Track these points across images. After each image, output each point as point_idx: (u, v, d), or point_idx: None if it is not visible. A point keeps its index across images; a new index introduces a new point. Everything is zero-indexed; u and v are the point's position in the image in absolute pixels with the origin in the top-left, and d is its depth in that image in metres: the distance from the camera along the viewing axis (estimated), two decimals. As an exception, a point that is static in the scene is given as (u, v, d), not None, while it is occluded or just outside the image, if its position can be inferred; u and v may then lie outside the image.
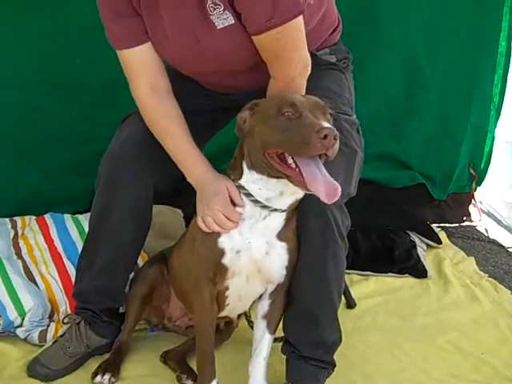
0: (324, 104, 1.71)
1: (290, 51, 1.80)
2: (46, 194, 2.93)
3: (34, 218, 2.76)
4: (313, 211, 1.79)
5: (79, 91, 2.81)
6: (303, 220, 1.84)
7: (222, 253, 1.80)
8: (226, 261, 1.81)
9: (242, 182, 1.78)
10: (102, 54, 2.12)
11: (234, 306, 1.99)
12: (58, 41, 2.73)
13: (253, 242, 1.80)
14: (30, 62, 2.74)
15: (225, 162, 1.97)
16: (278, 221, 1.80)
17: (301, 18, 1.75)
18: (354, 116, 2.04)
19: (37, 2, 2.69)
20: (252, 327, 2.05)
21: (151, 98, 1.94)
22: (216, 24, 1.79)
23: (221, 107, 2.15)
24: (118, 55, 1.95)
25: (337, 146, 1.59)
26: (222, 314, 2.01)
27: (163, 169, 2.03)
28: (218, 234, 1.80)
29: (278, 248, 1.82)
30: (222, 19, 1.78)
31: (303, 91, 1.89)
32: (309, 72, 1.88)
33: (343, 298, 2.50)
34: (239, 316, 2.21)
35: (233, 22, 1.78)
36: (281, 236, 1.82)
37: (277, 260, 1.84)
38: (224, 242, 1.80)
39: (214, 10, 1.77)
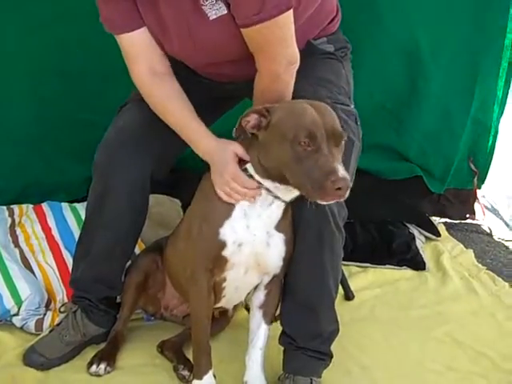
0: (341, 130, 1.67)
1: (275, 46, 1.78)
2: (44, 183, 2.91)
3: (31, 206, 2.75)
4: (309, 202, 1.79)
5: (78, 79, 2.78)
6: (299, 211, 1.83)
7: (222, 245, 1.79)
8: (226, 253, 1.80)
9: (249, 167, 1.77)
10: (102, 41, 2.10)
11: (230, 298, 1.99)
12: (57, 29, 2.69)
13: (258, 235, 1.79)
14: (28, 50, 2.70)
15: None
16: (278, 211, 1.79)
17: (289, 13, 1.73)
18: (352, 106, 2.01)
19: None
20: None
21: (152, 82, 1.93)
22: (209, 15, 1.78)
23: (217, 96, 2.14)
24: (117, 40, 1.93)
25: (347, 193, 1.59)
26: (218, 305, 2.00)
27: (160, 157, 2.03)
28: (220, 225, 1.78)
29: (277, 239, 1.82)
30: (215, 9, 1.77)
31: (290, 89, 1.87)
32: (295, 69, 1.85)
33: (341, 289, 2.51)
34: (234, 306, 2.19)
35: (225, 11, 1.76)
36: (279, 227, 1.82)
37: (275, 251, 1.84)
38: (226, 234, 1.79)
39: (207, 0, 1.76)
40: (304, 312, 1.94)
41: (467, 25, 2.98)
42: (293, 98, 1.88)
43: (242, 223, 1.79)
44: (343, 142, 1.67)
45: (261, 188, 1.76)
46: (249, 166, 1.77)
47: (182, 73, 1.99)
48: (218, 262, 1.82)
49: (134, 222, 2.09)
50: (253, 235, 1.79)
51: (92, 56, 2.74)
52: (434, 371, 2.14)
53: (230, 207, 1.79)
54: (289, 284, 1.94)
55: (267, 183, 1.75)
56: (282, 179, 1.69)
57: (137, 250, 2.31)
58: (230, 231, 1.78)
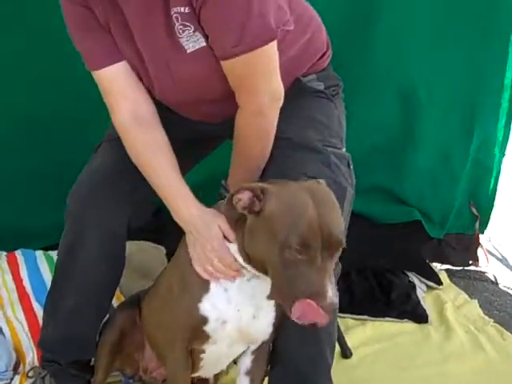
0: (340, 239, 1.41)
1: (257, 79, 1.64)
2: (19, 228, 2.70)
3: (4, 253, 2.56)
4: None
5: (52, 119, 2.60)
6: None
7: (204, 321, 1.60)
8: (208, 329, 1.61)
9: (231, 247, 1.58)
10: (79, 80, 1.94)
11: (209, 368, 1.80)
12: (35, 67, 2.53)
13: (242, 310, 1.60)
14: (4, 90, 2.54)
15: (210, 193, 1.80)
16: (266, 284, 1.59)
17: (272, 44, 1.59)
18: (344, 149, 1.85)
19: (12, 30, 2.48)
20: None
21: (134, 127, 1.74)
22: (186, 47, 1.63)
23: (198, 137, 1.97)
24: (95, 79, 1.77)
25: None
26: (195, 374, 1.80)
27: (138, 202, 1.87)
28: (199, 300, 1.59)
29: (266, 307, 1.62)
30: (192, 41, 1.62)
31: (274, 126, 1.71)
32: (279, 105, 1.69)
33: (338, 346, 2.31)
34: (216, 375, 1.99)
35: (204, 44, 1.62)
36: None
37: (264, 321, 1.64)
38: (207, 310, 1.59)
39: (184, 32, 1.61)
40: (296, 382, 1.74)
41: (465, 64, 2.85)
42: (279, 139, 1.72)
43: (222, 298, 1.59)
44: (340, 249, 1.44)
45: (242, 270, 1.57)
46: (231, 246, 1.58)
47: (160, 111, 1.81)
48: (198, 335, 1.63)
49: (108, 275, 1.90)
50: (237, 311, 1.59)
51: (70, 91, 2.56)
52: None
53: (206, 280, 1.60)
54: (278, 350, 1.75)
55: (250, 268, 1.55)
56: (264, 272, 1.48)
57: (115, 303, 2.12)
58: (211, 307, 1.59)
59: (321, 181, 1.54)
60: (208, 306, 1.59)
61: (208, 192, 1.82)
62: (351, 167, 1.80)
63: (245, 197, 1.47)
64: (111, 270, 1.91)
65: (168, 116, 1.84)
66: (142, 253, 2.60)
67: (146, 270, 2.48)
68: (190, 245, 1.65)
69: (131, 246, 2.57)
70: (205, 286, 1.60)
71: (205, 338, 1.63)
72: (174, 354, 1.69)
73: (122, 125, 1.76)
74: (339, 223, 1.45)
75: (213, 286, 1.59)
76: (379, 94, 2.85)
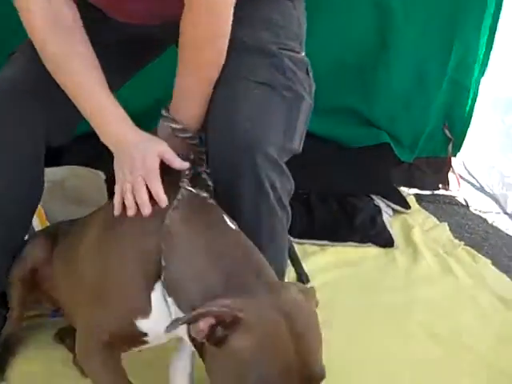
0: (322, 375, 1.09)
1: None
2: None
3: None
4: (243, 173, 1.38)
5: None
6: (233, 184, 1.42)
7: (143, 334, 1.29)
8: (148, 339, 1.31)
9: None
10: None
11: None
12: None
13: None
14: None
15: (152, 123, 1.51)
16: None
17: None
18: (303, 53, 1.62)
19: None
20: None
21: (51, 34, 1.45)
22: None
23: (134, 40, 1.69)
24: None
25: None
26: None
27: (58, 119, 1.58)
28: (135, 315, 1.26)
29: None
30: None
31: (228, 27, 1.44)
32: (234, 0, 1.42)
33: (294, 273, 2.13)
34: None
35: None
36: None
37: None
38: (143, 325, 1.27)
39: None
40: None
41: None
42: (230, 42, 1.45)
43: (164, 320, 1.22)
44: None
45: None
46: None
47: (85, 11, 1.51)
48: (132, 342, 1.34)
49: (21, 205, 1.64)
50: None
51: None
52: (405, 372, 1.75)
53: (146, 299, 1.26)
54: None
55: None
56: None
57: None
58: (151, 325, 1.27)
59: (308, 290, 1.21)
60: (145, 324, 1.27)
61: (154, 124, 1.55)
62: (310, 74, 1.59)
63: (206, 321, 1.07)
64: (25, 197, 1.64)
65: (95, 17, 1.56)
66: (77, 178, 2.34)
67: (80, 197, 2.24)
68: (116, 165, 1.41)
69: (65, 171, 2.34)
70: (143, 303, 1.26)
71: (140, 344, 1.33)
72: (91, 364, 1.36)
73: (36, 31, 1.47)
74: (320, 364, 1.11)
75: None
76: (349, 4, 2.64)
